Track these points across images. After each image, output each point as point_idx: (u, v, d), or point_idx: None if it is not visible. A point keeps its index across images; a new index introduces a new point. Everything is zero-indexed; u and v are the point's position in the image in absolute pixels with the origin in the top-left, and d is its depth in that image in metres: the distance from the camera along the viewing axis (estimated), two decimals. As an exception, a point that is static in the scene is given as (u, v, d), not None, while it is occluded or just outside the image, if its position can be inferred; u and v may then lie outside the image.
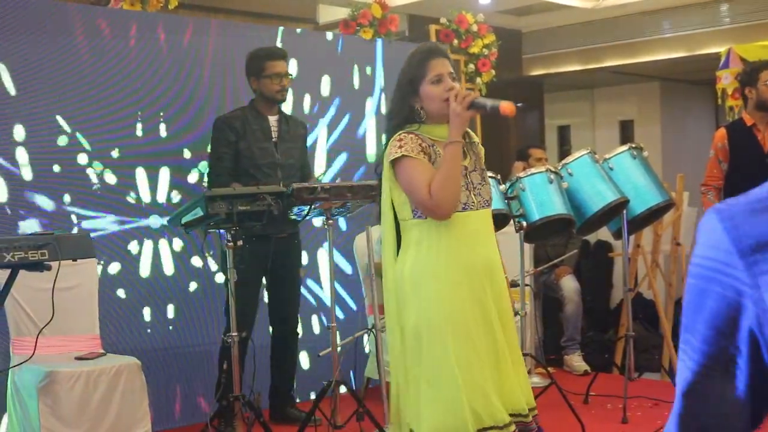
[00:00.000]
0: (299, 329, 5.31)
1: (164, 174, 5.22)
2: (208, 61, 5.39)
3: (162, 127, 5.21)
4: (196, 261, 5.32)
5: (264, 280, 5.11)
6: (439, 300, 3.13)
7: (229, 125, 4.99)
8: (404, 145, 3.15)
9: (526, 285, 5.42)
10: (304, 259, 5.50)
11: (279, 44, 5.59)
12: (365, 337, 5.35)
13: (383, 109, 6.04)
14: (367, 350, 5.59)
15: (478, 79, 7.31)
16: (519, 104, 8.79)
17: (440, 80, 3.20)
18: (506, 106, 3.11)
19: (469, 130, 3.33)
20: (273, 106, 5.09)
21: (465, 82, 7.29)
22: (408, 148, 3.14)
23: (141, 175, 5.13)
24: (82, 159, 4.92)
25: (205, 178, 5.15)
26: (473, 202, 3.21)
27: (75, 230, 4.78)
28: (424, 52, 3.29)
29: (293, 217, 4.63)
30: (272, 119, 5.08)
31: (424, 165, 3.14)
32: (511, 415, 3.19)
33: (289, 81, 5.06)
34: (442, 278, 3.14)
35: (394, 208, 3.26)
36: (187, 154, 5.30)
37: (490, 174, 5.05)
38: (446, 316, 3.12)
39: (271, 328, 5.23)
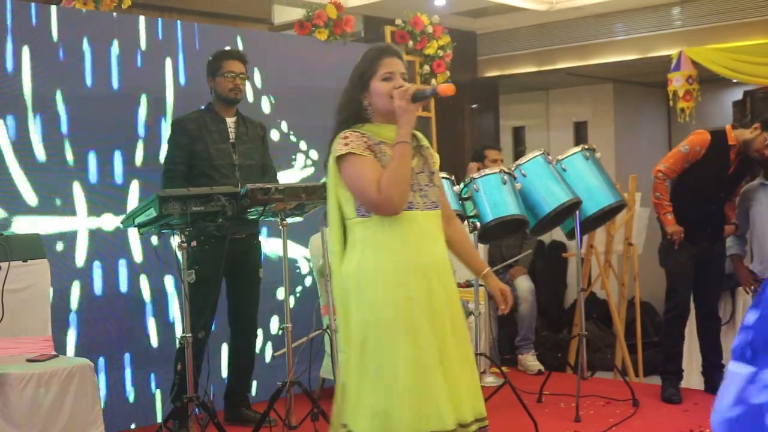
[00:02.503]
0: (258, 330, 5.29)
1: (118, 170, 5.19)
2: (170, 61, 5.38)
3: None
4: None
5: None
6: (385, 301, 3.09)
7: (182, 128, 4.97)
8: (350, 142, 3.12)
9: (480, 285, 5.44)
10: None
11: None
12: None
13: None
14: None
15: (433, 81, 7.34)
16: (474, 105, 8.88)
17: (391, 78, 3.19)
18: (444, 88, 3.10)
19: (419, 134, 3.31)
20: (230, 107, 5.07)
21: (420, 83, 7.32)
22: (354, 145, 3.11)
23: (93, 171, 5.10)
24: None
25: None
26: (418, 203, 3.17)
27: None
28: (378, 49, 3.29)
29: (252, 216, 4.62)
30: (230, 121, 5.06)
31: (370, 162, 3.12)
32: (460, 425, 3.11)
33: (243, 82, 5.04)
34: (388, 279, 3.10)
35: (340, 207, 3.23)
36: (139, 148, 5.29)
37: (444, 175, 5.12)
38: (391, 317, 3.08)
39: (229, 329, 5.21)
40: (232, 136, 5.04)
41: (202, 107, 5.13)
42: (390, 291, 3.09)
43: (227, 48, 5.31)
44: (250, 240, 5.10)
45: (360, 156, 3.11)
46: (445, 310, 3.16)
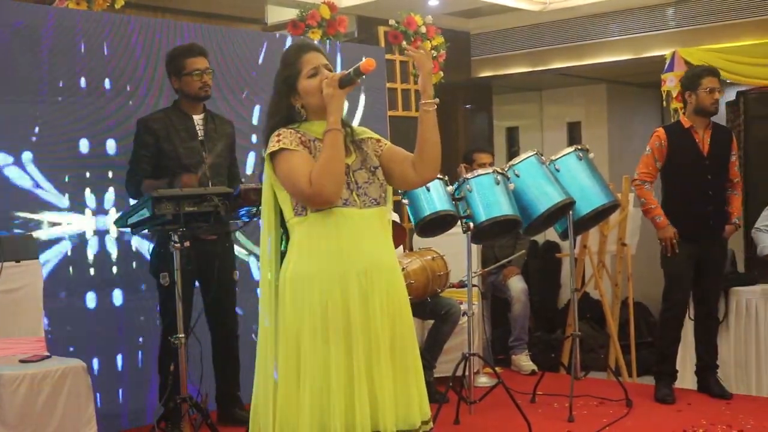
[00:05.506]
0: (239, 332, 5.25)
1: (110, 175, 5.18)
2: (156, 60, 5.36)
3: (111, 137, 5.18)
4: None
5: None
6: (319, 305, 3.01)
7: (147, 127, 4.88)
8: (282, 138, 3.07)
9: (474, 286, 5.44)
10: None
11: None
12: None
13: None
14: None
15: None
16: (468, 106, 8.87)
17: (316, 73, 3.13)
18: (365, 64, 3.00)
19: (360, 128, 3.26)
20: (197, 104, 5.00)
21: (413, 83, 7.31)
22: (286, 141, 3.06)
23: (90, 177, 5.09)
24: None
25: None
26: (355, 201, 3.09)
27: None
28: (296, 48, 3.22)
29: (241, 217, 4.60)
30: (197, 118, 4.99)
31: (303, 156, 3.05)
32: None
33: (210, 77, 4.97)
34: (323, 281, 3.03)
35: (281, 209, 3.15)
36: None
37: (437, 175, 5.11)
38: (322, 321, 3.00)
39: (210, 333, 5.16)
40: (200, 133, 4.97)
41: (167, 106, 5.07)
42: (325, 294, 3.01)
43: (183, 44, 5.16)
44: (222, 242, 5.01)
45: (292, 151, 3.04)
46: (384, 314, 3.08)
